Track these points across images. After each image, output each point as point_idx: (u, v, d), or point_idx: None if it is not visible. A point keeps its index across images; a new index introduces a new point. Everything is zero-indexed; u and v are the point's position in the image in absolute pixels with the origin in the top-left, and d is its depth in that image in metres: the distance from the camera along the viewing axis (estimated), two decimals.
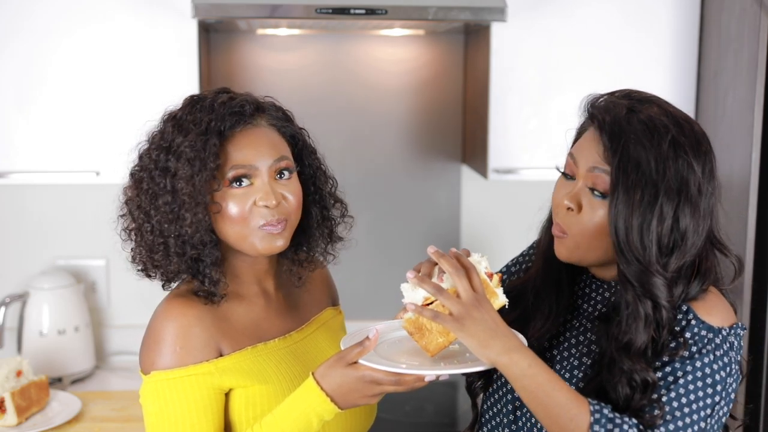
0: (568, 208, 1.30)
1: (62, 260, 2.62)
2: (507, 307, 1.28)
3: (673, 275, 1.26)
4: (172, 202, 1.34)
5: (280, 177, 1.39)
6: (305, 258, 1.52)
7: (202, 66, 2.31)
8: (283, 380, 1.40)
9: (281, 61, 2.61)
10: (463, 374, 1.45)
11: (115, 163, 2.24)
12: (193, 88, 2.22)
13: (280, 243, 1.38)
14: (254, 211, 1.35)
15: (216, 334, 1.37)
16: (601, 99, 1.32)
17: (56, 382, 2.43)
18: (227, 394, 1.38)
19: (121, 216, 1.42)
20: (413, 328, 1.28)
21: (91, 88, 2.23)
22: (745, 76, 2.08)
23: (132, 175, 1.40)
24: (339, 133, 2.65)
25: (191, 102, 1.41)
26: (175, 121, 1.39)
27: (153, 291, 1.47)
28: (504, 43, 2.27)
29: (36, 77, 2.21)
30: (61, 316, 2.46)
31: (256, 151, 1.36)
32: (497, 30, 2.26)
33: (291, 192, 1.39)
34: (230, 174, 1.35)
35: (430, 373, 1.25)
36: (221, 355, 1.37)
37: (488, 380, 1.49)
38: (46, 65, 2.21)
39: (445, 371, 1.25)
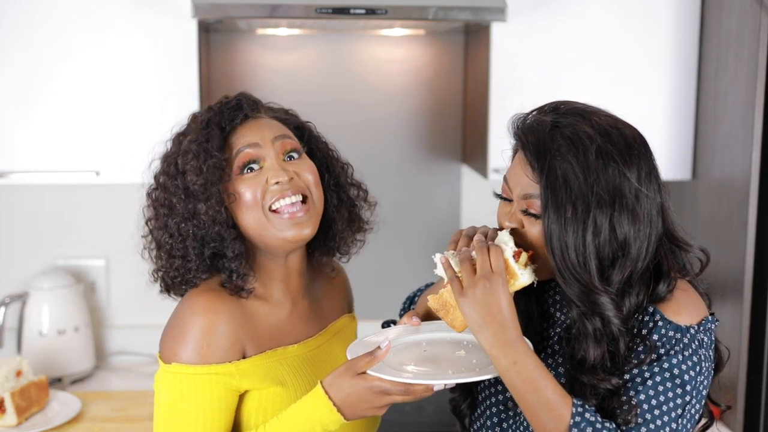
0: (512, 229, 1.30)
1: (62, 260, 2.62)
2: (535, 285, 1.27)
3: (620, 288, 1.24)
4: (186, 199, 1.35)
5: (289, 159, 1.40)
6: (336, 246, 1.51)
7: (202, 66, 2.31)
8: (298, 386, 1.39)
9: (281, 61, 2.61)
10: (469, 383, 1.46)
11: (115, 163, 2.25)
12: (193, 87, 2.22)
13: (307, 231, 1.38)
14: (267, 191, 1.36)
15: (243, 334, 1.36)
16: (529, 117, 1.31)
17: (56, 382, 2.43)
18: (241, 395, 1.37)
19: (143, 237, 1.43)
20: (438, 305, 1.29)
21: (91, 87, 2.22)
22: (745, 76, 2.08)
23: (149, 195, 1.42)
24: (339, 133, 2.62)
25: (192, 115, 1.45)
26: (179, 134, 1.42)
27: (153, 291, 1.47)
28: (504, 43, 2.27)
29: (36, 77, 2.21)
30: (60, 316, 2.46)
31: (257, 132, 1.39)
32: (497, 30, 2.26)
33: (303, 169, 1.40)
34: (237, 160, 1.36)
35: (438, 383, 1.24)
36: (244, 357, 1.36)
37: (473, 400, 1.48)
38: (45, 65, 2.21)
39: (453, 380, 1.25)
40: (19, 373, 2.17)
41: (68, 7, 2.19)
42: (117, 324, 2.67)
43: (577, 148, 1.22)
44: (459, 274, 1.24)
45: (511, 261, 1.24)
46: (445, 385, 1.25)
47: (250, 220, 1.36)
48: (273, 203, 1.36)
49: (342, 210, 1.49)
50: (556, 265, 1.23)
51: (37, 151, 2.24)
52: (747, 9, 2.07)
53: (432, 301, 1.30)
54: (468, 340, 1.38)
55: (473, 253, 1.25)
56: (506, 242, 1.26)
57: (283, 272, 1.44)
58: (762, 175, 2.05)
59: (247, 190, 1.36)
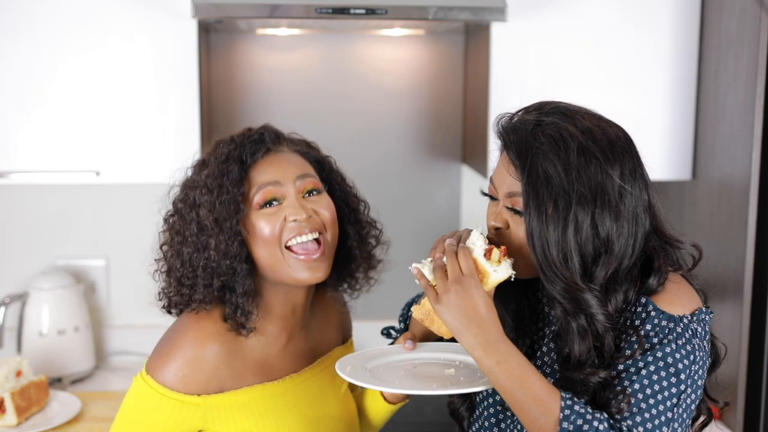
0: (497, 228, 1.31)
1: (62, 260, 2.62)
2: (513, 279, 1.27)
3: (605, 285, 1.24)
4: (198, 232, 1.36)
5: (309, 195, 1.40)
6: (349, 284, 1.52)
7: (202, 66, 2.31)
8: (264, 428, 1.39)
9: (281, 61, 2.61)
10: (451, 395, 1.47)
11: (115, 163, 2.25)
12: (193, 88, 2.22)
13: (320, 274, 1.39)
14: (285, 228, 1.36)
15: (225, 373, 1.37)
16: (514, 117, 1.32)
17: (56, 382, 2.43)
18: None
19: (157, 260, 1.44)
20: (422, 315, 1.31)
21: (91, 87, 2.22)
22: (745, 76, 2.08)
23: (166, 220, 1.43)
24: (339, 133, 2.65)
25: (216, 143, 1.44)
26: (200, 162, 1.43)
27: (152, 292, 1.47)
28: (504, 43, 2.27)
29: (36, 77, 2.21)
30: (60, 316, 2.46)
31: (279, 169, 1.39)
32: (497, 30, 2.26)
33: (323, 207, 1.41)
34: (257, 197, 1.37)
35: (413, 393, 1.27)
36: (219, 392, 1.36)
37: (471, 403, 1.48)
38: (45, 65, 2.21)
39: (426, 391, 1.27)
40: (19, 373, 2.17)
41: (68, 8, 2.19)
42: (117, 324, 2.67)
43: (559, 146, 1.23)
44: (433, 282, 1.25)
45: (481, 260, 1.24)
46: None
47: (265, 254, 1.37)
48: (290, 240, 1.37)
49: (356, 248, 1.50)
50: (539, 263, 1.23)
51: (37, 151, 2.24)
52: (747, 9, 2.07)
53: (416, 311, 1.31)
54: (460, 360, 1.39)
55: (445, 259, 1.25)
56: (475, 242, 1.26)
57: (287, 308, 1.44)
58: (762, 175, 2.05)
59: (265, 226, 1.37)
